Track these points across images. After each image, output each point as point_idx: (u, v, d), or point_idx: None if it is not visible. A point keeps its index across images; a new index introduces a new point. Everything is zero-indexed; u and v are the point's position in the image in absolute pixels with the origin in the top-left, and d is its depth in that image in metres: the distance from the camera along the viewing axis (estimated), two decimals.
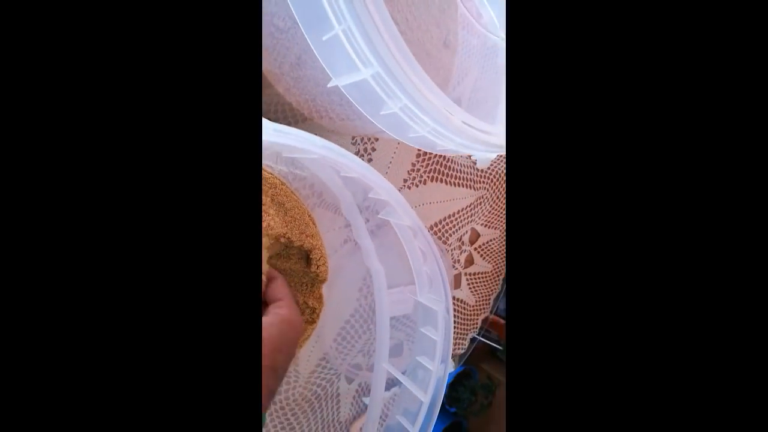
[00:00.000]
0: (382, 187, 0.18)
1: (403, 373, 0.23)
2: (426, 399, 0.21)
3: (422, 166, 0.49)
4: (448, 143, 0.20)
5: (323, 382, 0.47)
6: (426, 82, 0.18)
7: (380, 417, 0.24)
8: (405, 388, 0.22)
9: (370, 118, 0.20)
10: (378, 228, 0.38)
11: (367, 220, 0.37)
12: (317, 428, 0.44)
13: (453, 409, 1.25)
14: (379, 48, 0.16)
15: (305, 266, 0.30)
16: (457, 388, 1.26)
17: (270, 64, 0.30)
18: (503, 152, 0.24)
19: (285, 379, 0.43)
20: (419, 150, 0.48)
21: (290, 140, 0.14)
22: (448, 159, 0.51)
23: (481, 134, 0.19)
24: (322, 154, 0.16)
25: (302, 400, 0.45)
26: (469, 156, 0.52)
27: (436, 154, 0.50)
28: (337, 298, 0.40)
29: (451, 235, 0.55)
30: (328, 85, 0.20)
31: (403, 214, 0.18)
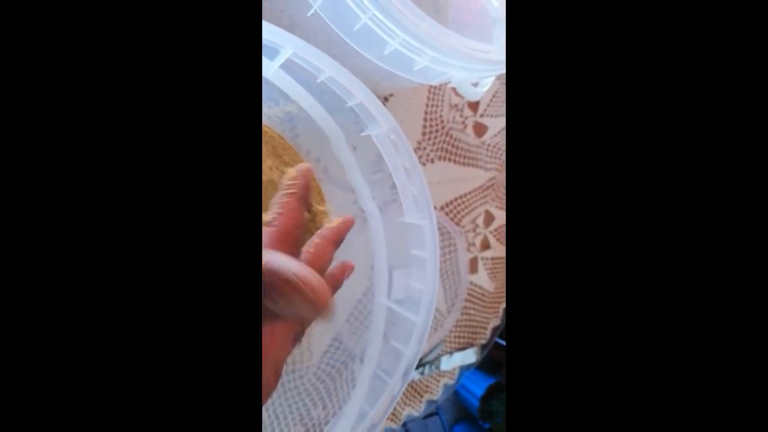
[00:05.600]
0: (354, 86, 0.18)
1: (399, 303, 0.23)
2: (418, 319, 0.21)
3: (429, 144, 0.50)
4: (422, 57, 0.21)
5: (337, 363, 0.47)
6: None
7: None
8: (399, 315, 0.22)
9: (347, 39, 0.21)
10: (385, 205, 0.38)
11: (374, 197, 0.37)
12: (333, 410, 0.43)
13: (487, 425, 1.19)
14: None
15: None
16: (490, 402, 1.20)
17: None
18: (484, 74, 0.24)
19: (297, 358, 0.43)
20: (424, 128, 0.49)
21: (267, 33, 0.15)
22: (455, 138, 0.52)
23: (453, 43, 0.19)
24: (294, 43, 0.17)
25: (316, 380, 0.45)
26: (457, 120, 0.52)
27: (440, 134, 0.51)
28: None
29: (463, 217, 0.55)
30: (308, 14, 0.21)
31: (380, 117, 0.19)
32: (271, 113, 0.27)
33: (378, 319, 0.24)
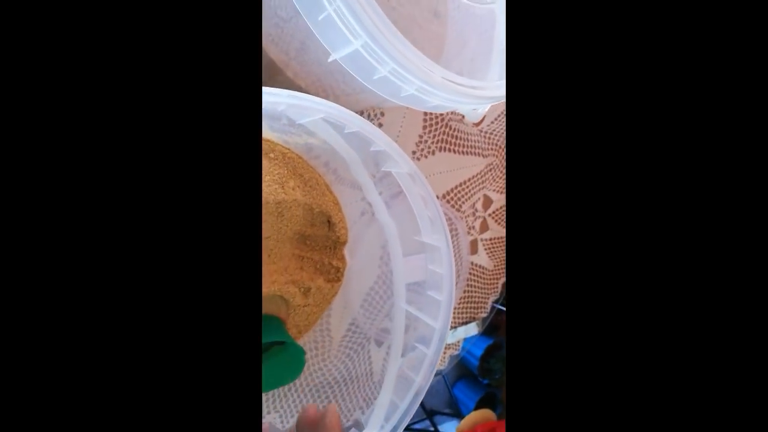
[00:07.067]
0: (378, 137, 0.21)
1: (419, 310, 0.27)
2: (437, 325, 0.25)
3: (430, 137, 0.52)
4: (434, 99, 0.23)
5: (355, 346, 0.51)
6: (408, 48, 0.21)
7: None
8: (420, 321, 0.26)
9: (366, 84, 0.23)
10: (391, 199, 0.41)
11: (381, 193, 0.40)
12: (354, 389, 0.48)
13: (486, 381, 1.28)
14: (365, 22, 0.19)
15: (327, 231, 0.34)
16: (489, 360, 1.28)
17: (278, 51, 0.33)
18: (485, 104, 0.27)
19: (319, 342, 0.48)
20: (425, 121, 0.51)
21: (300, 101, 0.17)
22: (454, 128, 0.54)
23: (460, 87, 0.22)
24: (327, 111, 0.19)
25: (337, 361, 0.50)
26: (457, 113, 0.54)
27: (440, 126, 0.53)
28: (359, 266, 0.44)
29: (464, 203, 0.58)
30: (328, 60, 0.23)
31: (401, 160, 0.22)
32: (290, 140, 0.29)
33: (399, 321, 0.28)
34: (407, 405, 0.24)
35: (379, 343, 0.50)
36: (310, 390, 0.47)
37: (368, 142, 0.22)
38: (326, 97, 0.35)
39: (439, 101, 0.24)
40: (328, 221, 0.34)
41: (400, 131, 0.49)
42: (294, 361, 0.31)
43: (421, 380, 0.25)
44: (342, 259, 0.34)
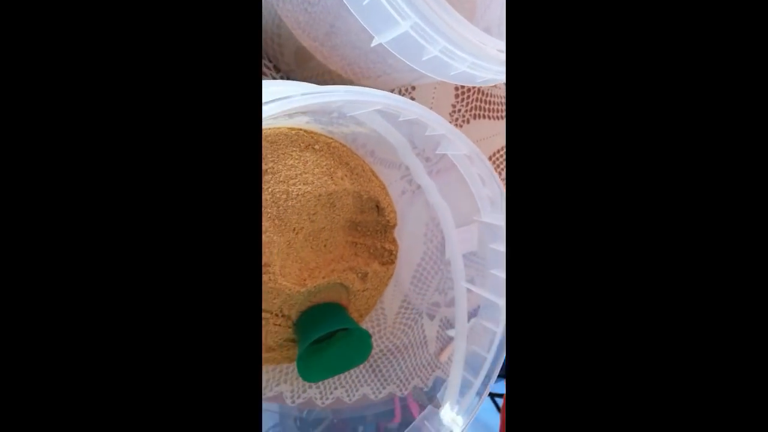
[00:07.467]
0: (437, 122, 0.20)
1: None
2: (501, 302, 0.25)
3: (462, 105, 0.50)
4: (486, 73, 0.22)
5: (409, 321, 0.53)
6: (460, 22, 0.20)
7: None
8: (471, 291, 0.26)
9: (414, 66, 0.22)
10: (436, 173, 0.41)
11: (429, 173, 0.39)
12: (412, 362, 0.49)
13: None
14: (415, 0, 0.18)
15: (377, 215, 0.34)
16: None
17: (307, 38, 0.32)
18: None
19: (375, 321, 0.49)
20: (457, 90, 0.49)
21: (357, 96, 0.17)
22: (487, 94, 0.51)
23: None
24: (385, 103, 0.19)
25: (393, 337, 0.51)
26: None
27: (473, 92, 0.50)
28: (405, 245, 0.44)
29: (503, 170, 0.56)
30: (372, 45, 0.23)
31: (460, 143, 0.21)
32: (335, 130, 0.29)
33: (461, 300, 0.28)
34: (481, 383, 0.24)
35: (431, 317, 0.51)
36: (370, 364, 0.49)
37: (423, 127, 0.21)
38: (358, 80, 0.34)
39: (492, 75, 0.22)
40: (377, 206, 0.34)
41: (432, 103, 0.47)
42: (361, 345, 0.32)
43: (493, 357, 0.25)
44: (393, 241, 0.35)
